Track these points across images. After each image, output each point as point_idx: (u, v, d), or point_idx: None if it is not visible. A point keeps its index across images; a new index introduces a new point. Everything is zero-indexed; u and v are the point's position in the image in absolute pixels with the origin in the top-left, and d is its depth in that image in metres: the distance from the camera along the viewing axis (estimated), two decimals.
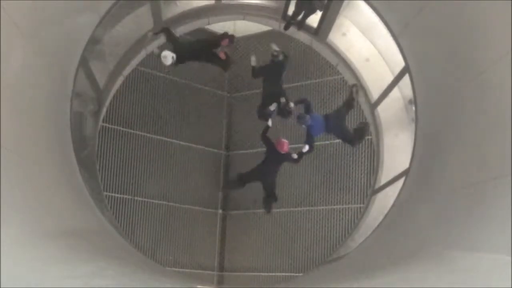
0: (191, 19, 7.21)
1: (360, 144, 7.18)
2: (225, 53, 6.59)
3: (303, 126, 6.45)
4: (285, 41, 8.17)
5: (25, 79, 3.31)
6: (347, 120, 6.85)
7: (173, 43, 6.24)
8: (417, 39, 4.69)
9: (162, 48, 6.47)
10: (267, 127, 6.61)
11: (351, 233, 7.21)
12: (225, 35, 6.59)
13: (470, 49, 3.44)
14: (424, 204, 4.02)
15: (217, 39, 6.61)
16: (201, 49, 6.50)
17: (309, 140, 6.54)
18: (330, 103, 7.90)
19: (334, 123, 6.50)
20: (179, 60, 6.16)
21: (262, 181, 6.79)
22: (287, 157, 6.54)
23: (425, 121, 4.71)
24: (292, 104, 6.66)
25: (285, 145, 6.45)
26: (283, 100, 6.61)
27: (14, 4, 2.89)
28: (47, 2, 3.49)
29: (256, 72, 6.81)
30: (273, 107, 6.62)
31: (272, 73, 6.70)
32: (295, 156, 6.55)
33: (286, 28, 7.21)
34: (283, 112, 6.74)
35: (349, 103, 6.65)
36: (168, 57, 5.97)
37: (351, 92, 6.69)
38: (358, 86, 6.82)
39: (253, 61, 6.72)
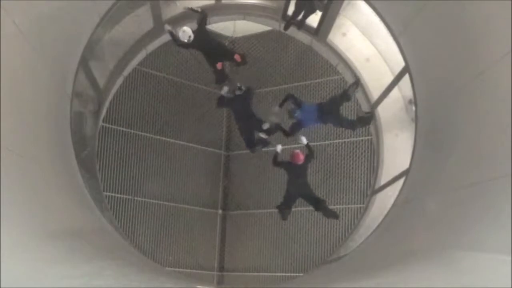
0: (191, 19, 7.21)
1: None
2: (222, 65, 6.59)
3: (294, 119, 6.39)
4: (285, 41, 8.19)
5: (25, 79, 3.31)
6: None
7: (200, 28, 6.19)
8: (417, 39, 4.69)
9: (174, 27, 6.37)
10: (277, 154, 6.44)
11: (351, 233, 7.22)
12: (240, 54, 6.58)
13: (470, 49, 3.45)
14: (424, 204, 4.02)
15: (232, 52, 6.60)
16: (216, 50, 6.48)
17: (295, 128, 6.44)
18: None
19: (329, 112, 6.33)
20: (193, 43, 6.10)
21: (301, 197, 6.51)
22: (306, 162, 6.32)
23: (425, 121, 4.71)
24: (267, 126, 6.56)
25: (301, 156, 6.23)
26: (265, 126, 6.55)
27: (14, 4, 2.89)
28: (47, 2, 3.49)
29: (223, 102, 6.80)
30: (265, 132, 6.57)
31: (240, 105, 6.65)
32: (308, 152, 6.39)
33: (286, 28, 7.22)
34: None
35: (345, 96, 6.55)
36: (187, 33, 5.92)
37: (350, 87, 6.61)
38: (358, 83, 6.74)
39: (225, 90, 6.67)
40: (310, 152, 6.40)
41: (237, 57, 6.42)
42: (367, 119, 6.62)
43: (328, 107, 6.34)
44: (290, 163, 6.28)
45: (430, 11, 4.07)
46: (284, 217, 6.58)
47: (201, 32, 6.18)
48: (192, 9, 6.40)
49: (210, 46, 6.38)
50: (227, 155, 8.53)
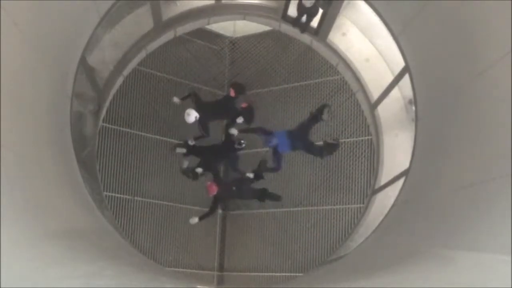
0: (191, 19, 7.21)
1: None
2: (248, 104, 7.00)
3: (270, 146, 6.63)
4: (285, 41, 8.19)
5: (25, 79, 3.31)
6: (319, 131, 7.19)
7: (198, 105, 6.57)
8: (417, 39, 4.69)
9: (183, 101, 6.93)
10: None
11: (351, 233, 7.21)
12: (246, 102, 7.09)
13: (470, 49, 3.45)
14: (424, 204, 4.02)
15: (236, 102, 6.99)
16: (224, 109, 6.88)
17: (279, 159, 6.71)
18: (330, 104, 7.90)
19: (298, 139, 6.59)
20: (201, 121, 6.45)
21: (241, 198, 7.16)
22: (243, 182, 6.87)
23: (425, 121, 4.71)
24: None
25: (210, 188, 6.65)
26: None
27: (14, 4, 2.89)
28: (47, 2, 3.49)
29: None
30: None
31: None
32: (251, 175, 6.84)
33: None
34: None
35: (315, 118, 6.70)
36: (192, 115, 6.28)
37: (321, 110, 6.74)
38: (330, 107, 6.93)
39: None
40: (254, 177, 6.97)
41: (244, 105, 6.92)
42: (334, 147, 6.82)
43: (297, 134, 6.59)
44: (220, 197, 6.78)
45: (430, 11, 4.07)
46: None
47: (203, 107, 6.56)
48: (183, 99, 6.91)
49: (219, 110, 6.82)
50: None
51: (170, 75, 8.10)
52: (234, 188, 6.89)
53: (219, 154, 7.18)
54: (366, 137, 7.40)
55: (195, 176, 7.00)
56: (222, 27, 8.26)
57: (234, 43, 8.53)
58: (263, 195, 7.03)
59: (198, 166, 7.04)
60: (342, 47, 7.25)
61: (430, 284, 2.55)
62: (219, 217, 8.27)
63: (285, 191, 7.76)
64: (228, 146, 7.02)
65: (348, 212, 7.46)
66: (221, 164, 7.70)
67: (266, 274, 7.88)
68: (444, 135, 3.98)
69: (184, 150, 7.11)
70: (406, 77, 5.25)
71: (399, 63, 5.55)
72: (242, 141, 6.87)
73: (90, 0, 4.61)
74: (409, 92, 5.76)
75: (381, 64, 7.00)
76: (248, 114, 7.04)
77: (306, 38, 7.52)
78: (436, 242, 3.15)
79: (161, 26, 6.93)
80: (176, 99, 7.07)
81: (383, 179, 6.65)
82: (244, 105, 7.03)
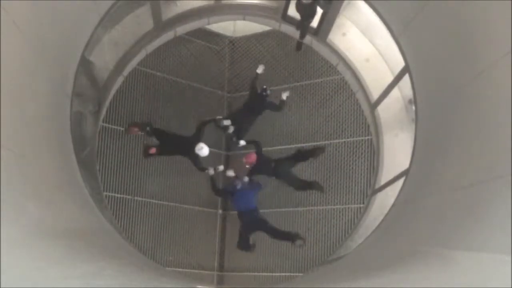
0: (191, 19, 7.22)
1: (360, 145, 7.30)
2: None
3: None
4: (285, 41, 8.19)
5: (25, 79, 3.31)
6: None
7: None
8: (417, 39, 4.69)
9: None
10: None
11: (351, 233, 7.22)
12: None
13: (470, 49, 3.44)
14: (423, 204, 4.02)
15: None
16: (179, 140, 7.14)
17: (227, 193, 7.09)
18: (330, 103, 7.90)
19: (255, 218, 6.80)
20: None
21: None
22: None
23: (425, 121, 4.71)
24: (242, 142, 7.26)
25: (249, 157, 6.84)
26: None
27: (14, 4, 2.89)
28: (47, 2, 3.49)
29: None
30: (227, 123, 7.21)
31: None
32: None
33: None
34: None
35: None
36: (204, 148, 6.71)
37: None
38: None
39: (261, 68, 7.26)
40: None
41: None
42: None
43: (257, 217, 6.79)
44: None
45: (430, 11, 4.07)
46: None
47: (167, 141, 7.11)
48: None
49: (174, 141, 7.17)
50: (227, 155, 8.54)
51: (170, 75, 8.10)
52: (273, 164, 6.92)
53: (253, 111, 7.28)
54: (366, 137, 7.40)
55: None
56: (222, 27, 8.27)
57: (234, 43, 8.54)
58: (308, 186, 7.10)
59: (234, 133, 7.23)
60: (342, 47, 7.25)
61: (430, 284, 2.55)
62: (219, 217, 8.28)
63: (285, 191, 7.77)
64: (257, 100, 7.17)
65: (348, 212, 7.46)
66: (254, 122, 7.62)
67: (266, 274, 7.88)
68: (444, 135, 3.98)
69: (229, 122, 7.21)
70: (406, 77, 5.25)
71: (399, 63, 5.55)
72: (265, 87, 7.12)
73: (90, 0, 4.61)
74: (409, 92, 5.76)
75: (381, 64, 7.00)
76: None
77: (306, 38, 7.52)
78: (436, 242, 3.14)
79: (161, 26, 6.94)
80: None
81: (383, 179, 6.65)
82: None
